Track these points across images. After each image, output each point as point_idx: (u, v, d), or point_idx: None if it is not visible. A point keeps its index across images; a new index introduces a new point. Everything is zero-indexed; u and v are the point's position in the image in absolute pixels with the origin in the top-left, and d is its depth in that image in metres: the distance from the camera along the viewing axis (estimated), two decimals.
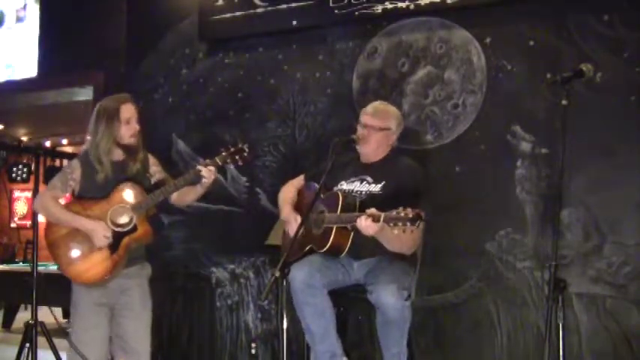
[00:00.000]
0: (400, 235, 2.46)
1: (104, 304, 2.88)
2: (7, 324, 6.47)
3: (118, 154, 2.91)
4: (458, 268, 3.34)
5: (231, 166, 3.67)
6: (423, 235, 2.94)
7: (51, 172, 3.16)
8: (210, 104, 4.11)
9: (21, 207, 10.99)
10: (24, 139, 9.25)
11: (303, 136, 3.81)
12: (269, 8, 3.83)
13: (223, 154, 2.95)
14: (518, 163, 3.24)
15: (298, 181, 3.23)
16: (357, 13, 3.58)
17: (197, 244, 4.10)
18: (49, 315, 3.36)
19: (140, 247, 2.95)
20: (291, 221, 2.98)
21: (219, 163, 2.92)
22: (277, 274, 2.29)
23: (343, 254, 2.82)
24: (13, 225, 10.99)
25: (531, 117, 3.22)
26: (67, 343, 2.87)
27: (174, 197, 3.01)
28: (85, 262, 2.81)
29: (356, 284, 2.91)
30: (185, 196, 3.03)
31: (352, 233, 2.74)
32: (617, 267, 3.04)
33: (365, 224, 2.56)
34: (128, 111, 2.88)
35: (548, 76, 3.14)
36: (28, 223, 9.95)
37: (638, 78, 3.04)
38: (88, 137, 2.93)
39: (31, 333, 3.12)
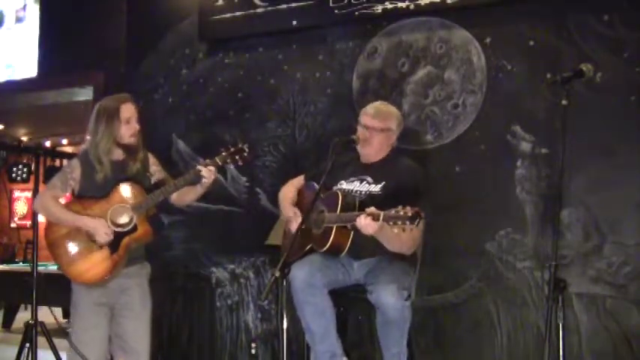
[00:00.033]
0: (400, 234, 2.46)
1: (104, 303, 2.88)
2: (7, 324, 6.47)
3: (118, 154, 2.91)
4: (458, 268, 3.34)
5: (231, 166, 3.67)
6: (423, 235, 2.94)
7: (51, 172, 3.16)
8: (210, 104, 4.11)
9: (21, 207, 10.99)
10: (24, 139, 9.25)
11: (303, 136, 3.81)
12: (269, 8, 3.84)
13: (223, 154, 2.95)
14: (518, 163, 3.24)
15: (298, 180, 3.23)
16: (357, 13, 3.58)
17: (197, 244, 4.10)
18: (49, 315, 3.36)
19: (140, 246, 2.95)
20: (293, 218, 2.98)
21: (220, 163, 2.92)
22: (277, 274, 2.29)
23: (343, 254, 2.82)
24: (13, 225, 10.99)
25: (531, 117, 3.22)
26: (67, 343, 2.87)
27: (174, 197, 3.01)
28: (85, 262, 2.82)
29: (356, 284, 2.91)
30: (185, 196, 3.03)
31: (352, 233, 2.74)
32: (617, 267, 3.04)
33: (364, 223, 2.56)
34: (128, 110, 2.88)
35: (548, 76, 3.14)
36: (28, 223, 9.95)
37: (638, 78, 3.04)
38: (88, 137, 2.93)
39: (31, 333, 3.12)
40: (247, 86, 4.00)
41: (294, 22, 3.77)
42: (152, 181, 3.00)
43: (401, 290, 2.64)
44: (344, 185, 2.97)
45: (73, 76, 4.77)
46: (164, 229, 4.09)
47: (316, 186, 2.86)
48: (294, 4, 3.76)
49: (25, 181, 3.48)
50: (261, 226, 3.72)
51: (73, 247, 2.83)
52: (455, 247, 3.35)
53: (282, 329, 2.36)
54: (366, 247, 2.80)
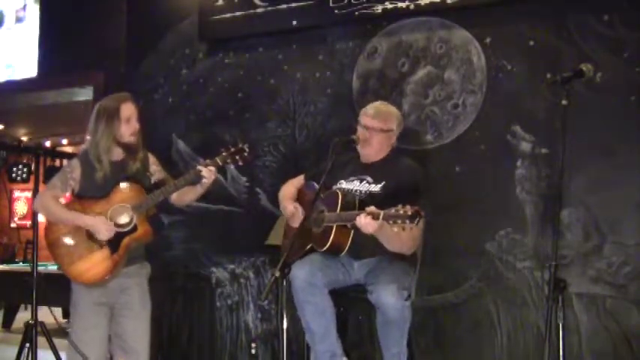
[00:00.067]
0: (400, 233, 2.46)
1: (104, 303, 2.88)
2: (7, 324, 6.47)
3: (118, 153, 2.91)
4: (458, 268, 3.34)
5: (232, 166, 3.67)
6: (422, 235, 2.94)
7: (51, 172, 3.16)
8: (210, 104, 4.11)
9: (21, 207, 10.99)
10: (24, 139, 9.25)
11: (303, 136, 3.82)
12: (269, 8, 3.84)
13: (224, 154, 2.94)
14: (518, 163, 3.24)
15: (298, 180, 3.23)
16: (357, 13, 3.58)
17: (197, 244, 4.10)
18: (49, 315, 3.36)
19: (140, 246, 2.94)
20: (295, 213, 2.97)
21: (220, 164, 2.92)
22: (277, 274, 2.29)
23: (343, 253, 2.82)
24: (13, 225, 10.99)
25: (531, 117, 3.22)
26: (67, 342, 2.87)
27: (174, 197, 3.01)
28: (85, 261, 2.82)
29: (356, 284, 2.91)
30: (185, 196, 3.03)
31: (352, 232, 2.74)
32: (617, 267, 3.04)
33: (364, 222, 2.56)
34: (128, 109, 2.88)
35: (548, 76, 3.14)
36: (28, 223, 9.95)
37: (638, 78, 3.04)
38: (88, 137, 2.93)
39: (31, 333, 3.12)
40: (247, 86, 4.00)
41: (294, 22, 3.78)
42: (152, 181, 3.00)
43: (401, 290, 2.64)
44: (344, 185, 2.97)
45: (73, 76, 4.77)
46: (164, 229, 4.09)
47: (316, 186, 2.86)
48: (294, 4, 3.77)
49: (25, 181, 3.48)
50: (261, 226, 3.72)
51: (73, 247, 2.83)
52: (455, 247, 3.35)
53: (282, 329, 2.36)
54: (366, 246, 2.80)
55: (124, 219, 2.83)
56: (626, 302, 3.02)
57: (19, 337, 3.18)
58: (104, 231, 2.79)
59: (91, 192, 2.87)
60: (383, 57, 3.62)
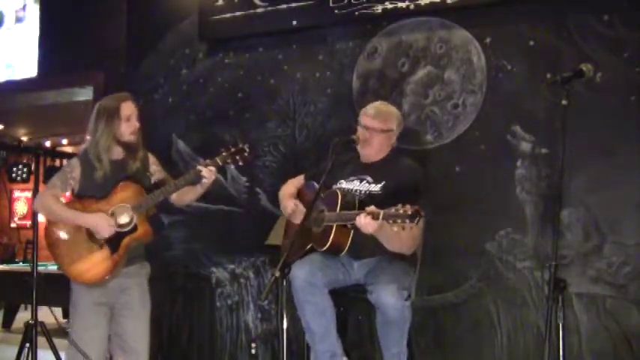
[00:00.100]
0: (400, 233, 2.46)
1: (104, 303, 2.88)
2: (7, 324, 6.47)
3: (118, 153, 2.91)
4: (458, 268, 3.34)
5: (232, 166, 3.67)
6: (422, 235, 2.94)
7: (51, 172, 3.16)
8: (210, 104, 4.11)
9: (21, 207, 10.99)
10: (24, 139, 9.24)
11: (303, 136, 3.82)
12: (269, 8, 3.84)
13: (224, 154, 2.95)
14: (518, 163, 3.24)
15: (298, 180, 3.23)
16: (357, 13, 3.58)
17: (197, 244, 4.10)
18: (49, 315, 3.36)
19: (139, 246, 2.94)
20: (295, 210, 2.98)
21: (220, 164, 2.92)
22: (277, 274, 2.29)
23: (343, 253, 2.82)
24: (13, 225, 10.98)
25: (531, 117, 3.22)
26: (67, 342, 2.87)
27: (174, 197, 3.01)
28: (85, 261, 2.82)
29: (356, 284, 2.91)
30: (185, 196, 3.03)
31: (352, 232, 2.74)
32: (617, 267, 3.04)
33: (364, 221, 2.56)
34: (128, 108, 2.89)
35: (548, 76, 3.14)
36: (28, 223, 9.94)
37: (638, 78, 3.04)
38: (88, 137, 2.94)
39: (31, 333, 3.12)
40: (247, 86, 4.00)
41: (294, 22, 3.77)
42: (152, 181, 3.00)
43: (401, 290, 2.64)
44: (344, 184, 2.97)
45: (73, 76, 4.77)
46: (164, 229, 4.09)
47: (316, 185, 2.86)
48: (294, 4, 3.76)
49: (25, 181, 3.48)
50: (261, 226, 3.72)
51: (73, 247, 2.83)
52: (455, 247, 3.35)
53: (282, 329, 2.35)
54: (366, 246, 2.80)
55: (124, 219, 2.83)
56: (626, 302, 3.02)
57: (19, 337, 3.18)
58: (105, 226, 2.79)
59: (91, 191, 2.87)
60: (383, 57, 3.62)
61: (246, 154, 2.96)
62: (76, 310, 2.90)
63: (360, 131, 2.97)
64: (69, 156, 3.43)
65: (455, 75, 3.43)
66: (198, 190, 2.98)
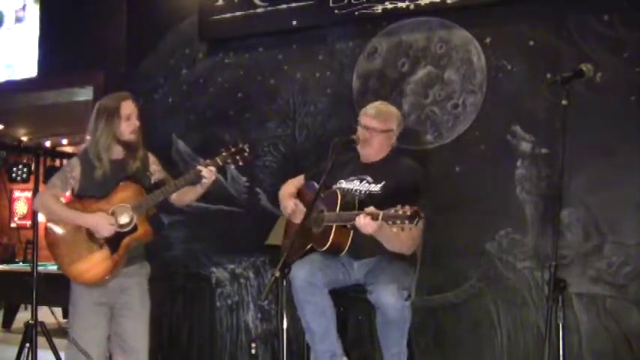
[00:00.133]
0: (399, 234, 2.46)
1: (104, 303, 2.88)
2: (7, 324, 6.47)
3: (118, 152, 2.91)
4: (458, 268, 3.34)
5: (232, 166, 3.67)
6: (422, 235, 2.94)
7: (51, 172, 3.16)
8: (210, 104, 4.11)
9: (21, 207, 10.99)
10: (24, 139, 9.24)
11: (303, 136, 3.81)
12: (269, 8, 3.83)
13: (224, 154, 2.95)
14: (518, 163, 3.24)
15: (298, 180, 3.23)
16: (357, 13, 3.58)
17: (197, 244, 4.10)
18: (49, 315, 3.36)
19: (139, 246, 2.95)
20: (296, 209, 2.98)
21: (220, 164, 2.92)
22: (277, 274, 2.29)
23: (343, 253, 2.82)
24: (13, 225, 10.98)
25: (531, 117, 3.22)
26: (67, 342, 2.87)
27: (174, 197, 3.01)
28: (85, 262, 2.82)
29: (356, 284, 2.91)
30: (184, 196, 3.04)
31: (352, 232, 2.74)
32: (617, 267, 3.04)
33: (364, 222, 2.56)
34: (128, 107, 2.89)
35: (548, 76, 3.14)
36: (28, 223, 9.95)
37: (638, 78, 3.04)
38: (88, 137, 2.94)
39: (31, 333, 3.12)
40: (247, 86, 4.00)
41: (294, 22, 3.77)
42: (152, 181, 3.00)
43: (401, 290, 2.64)
44: (344, 184, 2.97)
45: (73, 76, 4.76)
46: (164, 229, 4.09)
47: (316, 185, 2.86)
48: (294, 4, 3.76)
49: (25, 181, 3.48)
50: (261, 226, 3.71)
51: (73, 247, 2.83)
52: (455, 247, 3.34)
53: (282, 329, 2.35)
54: (366, 246, 2.80)
55: (124, 219, 2.83)
56: (626, 302, 3.02)
57: (19, 337, 3.18)
58: (106, 226, 2.79)
59: (91, 191, 2.87)
60: (383, 57, 3.62)
61: (246, 154, 2.97)
62: (75, 309, 2.90)
63: (361, 131, 2.97)
64: (69, 156, 3.43)
65: (455, 75, 3.43)
66: (198, 190, 2.98)
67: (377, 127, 2.95)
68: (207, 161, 2.92)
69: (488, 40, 3.35)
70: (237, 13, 3.93)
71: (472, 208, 3.32)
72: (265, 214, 3.82)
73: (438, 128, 3.45)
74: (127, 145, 2.90)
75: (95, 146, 2.87)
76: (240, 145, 2.97)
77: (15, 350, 3.15)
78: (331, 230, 2.76)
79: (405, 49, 3.56)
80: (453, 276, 3.35)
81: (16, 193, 10.95)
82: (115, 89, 3.20)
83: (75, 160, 2.94)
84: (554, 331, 2.32)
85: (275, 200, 3.36)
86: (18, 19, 5.12)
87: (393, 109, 3.08)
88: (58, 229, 2.86)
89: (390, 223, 2.45)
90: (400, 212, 2.42)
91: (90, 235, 2.83)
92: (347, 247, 2.79)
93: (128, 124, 2.88)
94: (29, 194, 9.90)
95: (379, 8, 3.52)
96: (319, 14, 3.70)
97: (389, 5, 3.50)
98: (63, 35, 4.82)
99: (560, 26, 3.18)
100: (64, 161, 3.28)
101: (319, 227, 2.84)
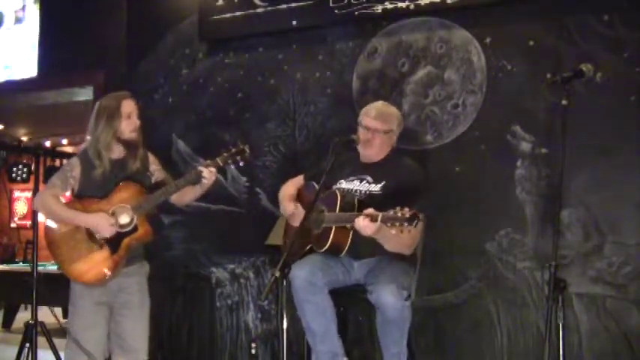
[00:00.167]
0: (398, 235, 2.47)
1: (104, 302, 2.88)
2: (7, 324, 6.47)
3: (118, 151, 2.91)
4: (458, 268, 3.34)
5: (232, 167, 3.66)
6: (422, 235, 2.94)
7: (51, 172, 3.16)
8: (210, 104, 4.11)
9: (21, 207, 10.99)
10: (24, 139, 9.24)
11: (303, 136, 3.81)
12: (269, 8, 3.83)
13: (224, 154, 2.95)
14: (518, 163, 3.24)
15: (298, 180, 3.23)
16: (357, 13, 3.58)
17: (197, 244, 4.10)
18: (49, 315, 3.36)
19: (139, 245, 2.94)
20: (295, 211, 2.98)
21: (220, 164, 2.92)
22: (277, 273, 2.29)
23: (343, 253, 2.82)
24: (13, 225, 10.98)
25: (531, 117, 3.22)
26: (67, 341, 2.87)
27: (174, 197, 3.00)
28: (86, 262, 2.81)
29: (356, 284, 2.91)
30: (184, 196, 3.03)
31: (351, 232, 2.74)
32: (617, 267, 3.04)
33: (363, 224, 2.56)
34: (129, 106, 2.89)
35: (548, 76, 3.14)
36: (28, 223, 9.94)
37: (638, 78, 3.04)
38: (88, 137, 2.94)
39: (31, 333, 3.12)
40: (247, 86, 4.00)
41: (294, 22, 3.77)
42: (152, 181, 3.00)
43: (401, 290, 2.64)
44: (343, 184, 2.97)
45: (73, 76, 4.76)
46: (164, 229, 4.09)
47: (315, 186, 2.86)
48: (294, 4, 3.76)
49: (25, 181, 3.48)
50: (261, 226, 3.71)
51: (73, 247, 2.83)
52: (455, 247, 3.35)
53: (282, 329, 2.35)
54: (366, 246, 2.80)
55: (124, 219, 2.82)
56: (626, 302, 3.02)
57: (19, 337, 3.18)
58: (106, 226, 2.78)
59: (91, 191, 2.87)
60: (383, 57, 3.62)
61: (246, 154, 2.97)
62: (75, 309, 2.90)
63: (361, 132, 2.97)
64: (69, 156, 3.43)
65: (455, 75, 3.43)
66: (197, 191, 2.98)
67: (378, 128, 2.95)
68: (208, 162, 2.92)
69: (488, 40, 3.35)
70: (237, 13, 3.93)
71: (472, 208, 3.32)
72: (265, 214, 3.82)
73: (438, 128, 3.45)
74: (128, 144, 2.90)
75: (95, 145, 2.87)
76: (241, 146, 2.97)
77: (15, 350, 3.15)
78: (331, 231, 2.77)
79: (405, 49, 3.56)
80: (453, 276, 3.35)
81: (16, 193, 10.95)
82: (115, 89, 3.20)
83: (75, 160, 2.93)
84: (554, 331, 2.32)
85: (275, 200, 3.36)
86: (18, 20, 5.12)
87: (393, 109, 3.08)
88: (58, 229, 2.86)
89: (389, 224, 2.45)
90: (399, 214, 2.42)
91: (90, 235, 2.83)
92: (347, 248, 2.79)
93: (129, 123, 2.88)
94: (29, 194, 9.90)
95: (379, 8, 3.52)
96: (319, 14, 3.70)
97: (389, 5, 3.50)
98: (63, 35, 4.82)
99: (560, 26, 3.18)
100: (64, 161, 3.28)
101: (319, 228, 2.84)
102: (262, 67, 3.95)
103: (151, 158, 3.05)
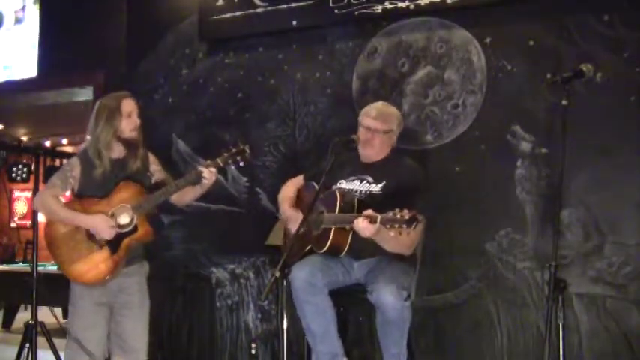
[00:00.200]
0: (397, 237, 2.47)
1: (104, 303, 2.88)
2: (7, 324, 6.47)
3: (119, 151, 2.91)
4: (458, 268, 3.34)
5: (232, 167, 3.66)
6: (422, 235, 2.94)
7: (51, 172, 3.16)
8: (210, 104, 4.11)
9: (21, 207, 10.99)
10: (24, 139, 9.24)
11: (303, 136, 3.81)
12: (269, 8, 3.83)
13: (225, 155, 2.94)
14: (518, 163, 3.24)
15: (298, 180, 3.23)
16: (357, 13, 3.58)
17: (197, 244, 4.10)
18: (49, 315, 3.36)
19: (139, 245, 2.94)
20: (293, 218, 2.98)
21: (221, 165, 2.92)
22: (277, 274, 2.29)
23: (343, 254, 2.82)
24: (13, 225, 10.99)
25: (531, 117, 3.22)
26: (67, 341, 2.87)
27: (174, 197, 3.00)
28: (86, 262, 2.81)
29: (356, 284, 2.91)
30: (184, 196, 3.03)
31: (351, 233, 2.74)
32: (617, 267, 3.04)
33: (362, 226, 2.57)
34: (129, 105, 2.90)
35: (548, 76, 3.14)
36: (28, 223, 9.95)
37: (638, 78, 3.04)
38: (88, 137, 2.94)
39: (31, 333, 3.12)
40: (247, 86, 4.00)
41: (294, 22, 3.77)
42: (152, 181, 3.00)
43: (401, 290, 2.64)
44: (344, 185, 2.97)
45: (73, 76, 4.76)
46: (164, 229, 4.09)
47: (315, 186, 2.86)
48: (294, 4, 3.76)
49: (25, 181, 3.48)
50: (261, 226, 3.71)
51: (73, 248, 2.83)
52: (455, 247, 3.35)
53: (282, 329, 2.35)
54: (366, 247, 2.80)
55: (124, 219, 2.82)
56: (626, 302, 3.02)
57: (19, 337, 3.18)
58: (106, 229, 2.78)
59: (91, 191, 2.87)
60: (383, 57, 3.62)
61: (247, 154, 2.96)
62: (75, 309, 2.90)
63: (362, 132, 2.97)
64: (69, 156, 3.43)
65: (455, 75, 3.43)
66: (197, 191, 2.98)
67: (378, 128, 2.95)
68: (208, 162, 2.92)
69: (488, 40, 3.35)
70: (237, 13, 3.93)
71: (472, 208, 3.32)
72: (265, 214, 3.82)
73: (438, 128, 3.45)
74: (128, 144, 2.90)
75: (95, 144, 2.87)
76: (241, 146, 2.97)
77: (15, 350, 3.15)
78: (330, 232, 2.76)
79: (405, 49, 3.56)
80: (453, 276, 3.35)
81: (16, 193, 10.95)
82: (115, 89, 3.20)
83: (75, 160, 2.93)
84: (554, 331, 2.33)
85: (275, 200, 3.36)
86: (17, 20, 5.12)
87: (393, 109, 3.08)
88: (58, 230, 2.86)
89: (388, 226, 2.45)
90: (398, 216, 2.42)
91: (90, 235, 2.82)
92: (346, 248, 2.79)
93: (129, 122, 2.88)
94: (29, 194, 9.90)
95: (379, 8, 3.52)
96: (319, 14, 3.70)
97: (389, 5, 3.50)
98: (63, 35, 4.82)
99: (560, 26, 3.18)
100: (64, 161, 3.28)
101: (319, 229, 2.84)
102: (262, 67, 3.95)
103: (151, 158, 3.05)
